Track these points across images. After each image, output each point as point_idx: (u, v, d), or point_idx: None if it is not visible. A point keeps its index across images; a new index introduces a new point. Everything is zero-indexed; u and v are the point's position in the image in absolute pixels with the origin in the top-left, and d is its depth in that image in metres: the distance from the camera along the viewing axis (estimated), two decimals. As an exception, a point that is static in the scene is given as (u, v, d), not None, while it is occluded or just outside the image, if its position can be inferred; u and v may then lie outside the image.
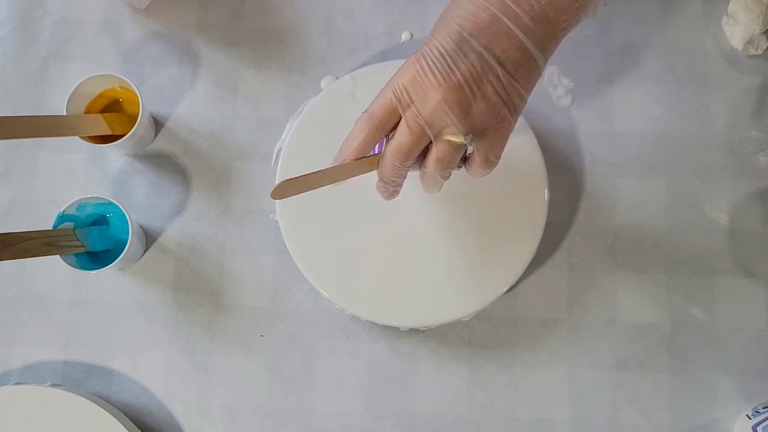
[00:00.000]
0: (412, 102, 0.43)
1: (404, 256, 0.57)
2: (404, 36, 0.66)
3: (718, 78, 0.65)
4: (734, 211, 0.63)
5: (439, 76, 0.42)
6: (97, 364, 0.62)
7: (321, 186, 0.47)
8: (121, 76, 0.59)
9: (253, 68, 0.66)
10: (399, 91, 0.44)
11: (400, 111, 0.44)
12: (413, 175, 0.58)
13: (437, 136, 0.44)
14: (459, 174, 0.58)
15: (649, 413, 0.61)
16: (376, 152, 0.48)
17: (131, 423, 0.59)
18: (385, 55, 0.66)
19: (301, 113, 0.60)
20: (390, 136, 0.46)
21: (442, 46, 0.42)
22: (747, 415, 0.59)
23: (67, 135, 0.56)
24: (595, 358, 0.61)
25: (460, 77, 0.42)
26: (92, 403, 0.57)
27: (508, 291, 0.57)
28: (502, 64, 0.42)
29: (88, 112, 0.61)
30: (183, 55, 0.66)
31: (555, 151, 0.64)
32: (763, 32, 0.64)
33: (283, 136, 0.64)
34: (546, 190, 0.57)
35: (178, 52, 0.66)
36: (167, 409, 0.61)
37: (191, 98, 0.65)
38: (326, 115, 0.59)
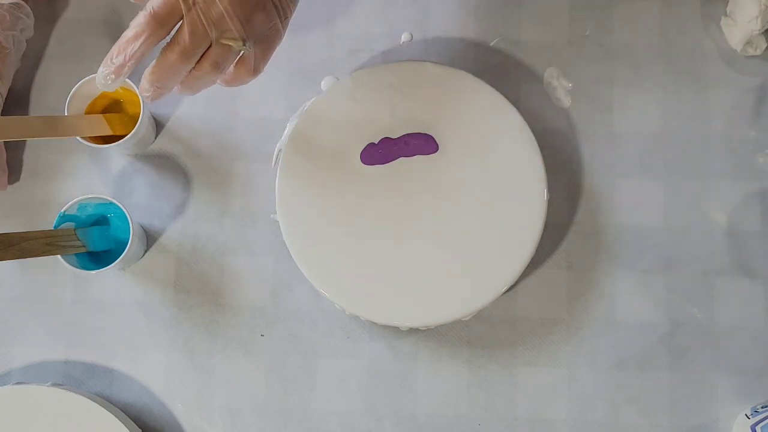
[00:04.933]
0: (195, 3, 0.44)
1: (404, 256, 0.57)
2: (404, 37, 0.66)
3: (717, 78, 0.65)
4: (734, 211, 0.64)
5: None
6: (97, 363, 0.62)
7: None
8: (121, 77, 0.59)
9: (254, 69, 0.66)
10: None
11: (183, 11, 0.44)
12: (411, 175, 0.58)
13: (217, 39, 0.45)
14: (459, 174, 0.58)
15: (648, 413, 0.61)
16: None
17: (132, 422, 0.59)
18: (385, 56, 0.66)
19: (301, 113, 0.60)
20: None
21: None
22: (746, 415, 0.59)
23: (67, 135, 0.56)
24: (595, 358, 0.62)
25: None
26: (93, 403, 0.58)
27: (507, 291, 0.57)
28: None
29: (89, 112, 0.61)
30: (183, 56, 0.66)
31: (554, 152, 0.64)
32: (762, 33, 0.64)
33: (283, 137, 0.64)
34: (545, 191, 0.57)
35: (178, 52, 0.66)
36: (168, 408, 0.61)
37: (192, 98, 0.65)
38: (326, 116, 0.59)
